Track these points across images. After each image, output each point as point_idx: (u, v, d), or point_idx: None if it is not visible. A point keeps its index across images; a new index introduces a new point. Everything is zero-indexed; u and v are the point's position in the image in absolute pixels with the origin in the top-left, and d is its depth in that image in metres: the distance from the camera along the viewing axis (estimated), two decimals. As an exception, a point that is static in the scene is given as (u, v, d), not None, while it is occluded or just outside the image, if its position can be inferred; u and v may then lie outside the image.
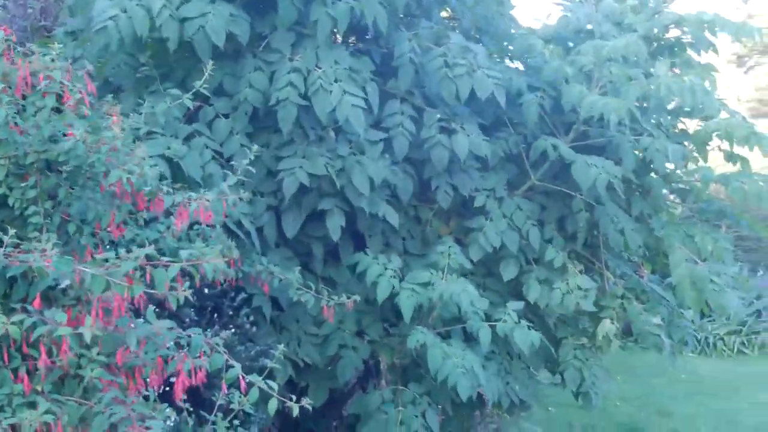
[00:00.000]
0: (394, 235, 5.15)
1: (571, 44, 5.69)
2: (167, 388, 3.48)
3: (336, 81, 4.37)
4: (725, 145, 5.47)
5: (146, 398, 3.05)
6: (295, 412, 3.22)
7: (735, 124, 5.21)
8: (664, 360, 10.99)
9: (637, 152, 5.26)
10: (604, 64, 5.12)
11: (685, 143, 5.71)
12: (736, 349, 13.36)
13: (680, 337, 5.88)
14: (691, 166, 5.79)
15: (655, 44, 5.95)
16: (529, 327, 4.78)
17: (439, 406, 5.22)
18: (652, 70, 5.38)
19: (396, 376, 5.08)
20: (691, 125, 5.92)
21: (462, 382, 4.38)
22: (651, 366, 10.45)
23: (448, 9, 5.90)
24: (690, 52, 5.93)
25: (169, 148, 4.07)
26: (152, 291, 2.84)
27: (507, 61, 5.90)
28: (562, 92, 5.03)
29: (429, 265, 4.83)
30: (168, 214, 3.41)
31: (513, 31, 5.93)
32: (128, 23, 4.13)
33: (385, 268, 4.70)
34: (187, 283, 2.94)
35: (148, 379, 3.05)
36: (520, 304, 4.95)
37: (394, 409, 4.76)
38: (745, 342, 13.51)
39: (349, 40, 5.32)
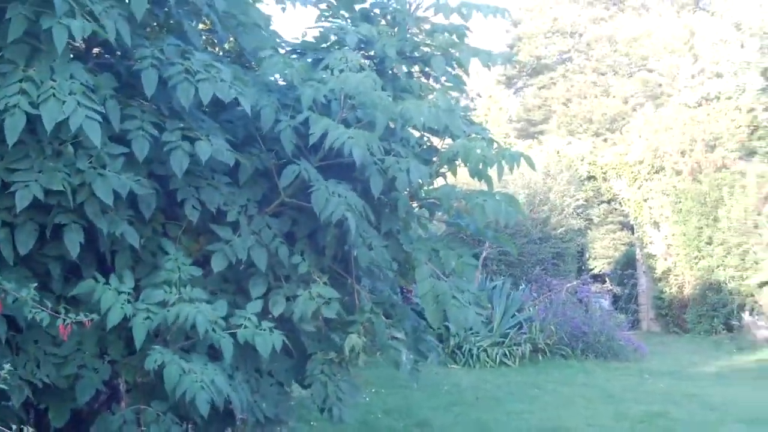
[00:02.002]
0: (143, 251, 5.04)
1: (321, 57, 5.73)
2: None
3: (71, 94, 4.24)
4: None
5: None
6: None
7: (471, 147, 5.37)
8: (429, 373, 11.41)
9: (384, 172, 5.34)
10: (355, 95, 5.17)
11: (435, 159, 5.90)
12: (498, 361, 13.86)
13: (425, 351, 6.03)
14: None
15: (408, 56, 6.14)
16: (271, 330, 4.79)
17: (190, 424, 5.19)
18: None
19: (141, 395, 4.98)
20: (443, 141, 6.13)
21: (200, 396, 4.33)
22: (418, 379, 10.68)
23: (205, 21, 5.87)
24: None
25: None
26: None
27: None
28: (310, 121, 5.03)
29: (163, 282, 4.76)
30: None
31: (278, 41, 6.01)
32: None
33: (119, 293, 4.58)
34: None
35: None
36: (258, 306, 4.96)
37: (136, 429, 4.67)
38: (507, 353, 14.04)
39: (94, 53, 5.18)
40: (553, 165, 20.98)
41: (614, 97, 37.65)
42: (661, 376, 13.65)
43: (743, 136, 21.34)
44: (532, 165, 5.80)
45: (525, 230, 18.20)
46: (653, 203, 21.54)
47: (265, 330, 4.79)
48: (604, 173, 22.61)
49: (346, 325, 5.58)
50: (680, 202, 20.56)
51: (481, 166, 5.43)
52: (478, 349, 13.88)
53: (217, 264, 5.02)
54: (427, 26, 6.37)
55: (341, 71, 5.23)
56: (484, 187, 5.73)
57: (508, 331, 14.44)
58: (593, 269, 25.60)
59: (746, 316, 18.43)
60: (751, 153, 21.89)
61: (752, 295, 18.97)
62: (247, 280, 5.26)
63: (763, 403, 11.23)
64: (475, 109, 39.65)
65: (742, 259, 19.39)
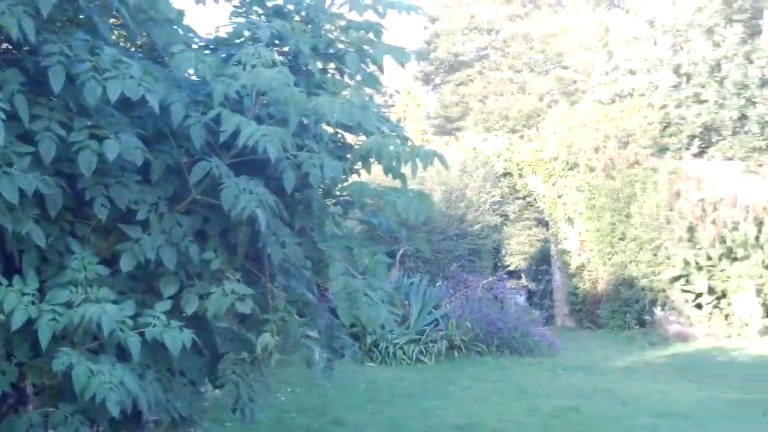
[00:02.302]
0: (51, 250, 4.94)
1: (234, 53, 5.66)
2: None
3: (-26, 90, 4.15)
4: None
5: None
6: None
7: (384, 143, 5.37)
8: (345, 371, 11.42)
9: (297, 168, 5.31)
10: (267, 91, 5.13)
11: (349, 156, 5.89)
12: (414, 358, 13.89)
13: (339, 349, 6.03)
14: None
15: (323, 52, 6.12)
16: (181, 328, 4.74)
17: (101, 427, 5.10)
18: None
19: (50, 398, 4.88)
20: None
21: (111, 397, 4.27)
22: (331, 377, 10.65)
23: (116, 16, 5.78)
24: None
25: None
26: None
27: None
28: (221, 118, 4.98)
29: (69, 282, 4.67)
30: None
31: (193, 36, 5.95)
32: None
33: (22, 294, 4.51)
34: None
35: None
36: (168, 304, 4.91)
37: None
38: (424, 350, 14.08)
39: (1, 49, 5.07)
40: (470, 161, 21.13)
41: (530, 93, 38.12)
42: (574, 371, 13.83)
43: (655, 133, 21.78)
44: (444, 164, 5.81)
45: (442, 227, 18.29)
46: (567, 199, 21.83)
47: (174, 328, 4.73)
48: (520, 170, 22.84)
49: (260, 324, 5.53)
50: (594, 198, 20.87)
51: (394, 164, 5.43)
52: (395, 346, 13.91)
53: (126, 264, 4.94)
54: (342, 23, 6.34)
55: (253, 67, 5.19)
56: (400, 184, 5.74)
57: (425, 328, 14.50)
58: (509, 265, 25.88)
59: (658, 311, 18.78)
60: (663, 149, 22.36)
61: (664, 291, 19.33)
62: (158, 279, 5.18)
63: (673, 397, 11.46)
64: (393, 106, 39.87)
65: (655, 255, 19.75)
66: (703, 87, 23.32)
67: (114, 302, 4.64)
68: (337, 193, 6.03)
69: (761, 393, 11.59)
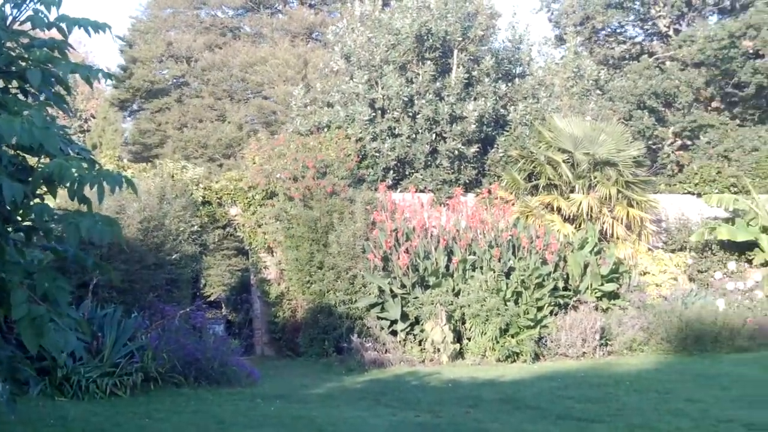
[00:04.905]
0: None
1: None
2: None
3: None
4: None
5: None
6: None
7: (67, 166, 5.17)
8: (35, 407, 10.85)
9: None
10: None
11: (30, 179, 5.62)
12: (108, 392, 13.39)
13: (23, 380, 5.74)
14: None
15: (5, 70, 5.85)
16: None
17: None
18: None
19: None
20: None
21: None
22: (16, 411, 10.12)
23: None
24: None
25: None
26: None
27: None
28: None
29: None
30: None
31: None
32: None
33: None
34: None
35: None
36: None
37: None
38: (118, 383, 13.58)
39: None
40: (169, 190, 20.76)
41: (230, 122, 38.18)
42: (273, 400, 13.81)
43: (352, 164, 22.36)
44: (134, 189, 5.68)
45: (139, 256, 17.83)
46: (267, 228, 21.93)
47: None
48: (219, 198, 22.72)
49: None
50: (292, 227, 21.05)
51: (76, 187, 5.24)
52: (87, 380, 13.35)
53: None
54: (26, 41, 6.07)
55: (-76, 83, 4.86)
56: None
57: (120, 360, 14.02)
58: (209, 296, 25.64)
59: (355, 338, 19.08)
60: (360, 180, 23.03)
61: (361, 318, 19.72)
62: None
63: (369, 422, 11.69)
64: (88, 131, 38.70)
65: (352, 283, 20.14)
66: (397, 121, 24.29)
67: None
68: (19, 218, 5.73)
69: (450, 416, 12.05)
